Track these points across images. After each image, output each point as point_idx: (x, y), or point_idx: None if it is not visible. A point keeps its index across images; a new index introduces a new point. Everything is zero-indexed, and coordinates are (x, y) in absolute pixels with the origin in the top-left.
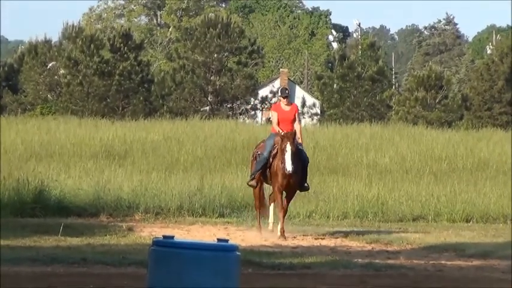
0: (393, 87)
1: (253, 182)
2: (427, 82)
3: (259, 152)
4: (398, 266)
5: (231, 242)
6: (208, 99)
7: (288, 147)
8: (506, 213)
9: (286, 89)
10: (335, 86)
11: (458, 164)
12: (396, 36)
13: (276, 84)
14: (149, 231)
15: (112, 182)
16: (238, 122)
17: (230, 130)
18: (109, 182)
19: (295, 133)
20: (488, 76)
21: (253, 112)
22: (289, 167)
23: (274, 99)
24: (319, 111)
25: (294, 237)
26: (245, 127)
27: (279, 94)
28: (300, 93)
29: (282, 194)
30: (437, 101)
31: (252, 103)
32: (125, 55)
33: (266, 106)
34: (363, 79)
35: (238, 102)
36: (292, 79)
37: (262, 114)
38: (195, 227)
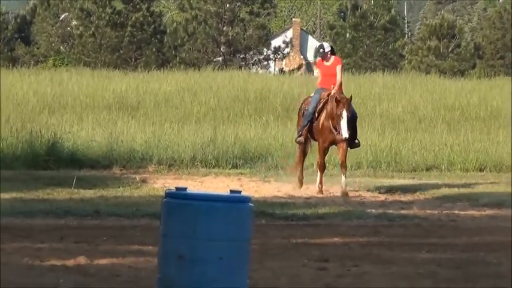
0: (406, 36)
1: (301, 139)
2: (439, 31)
3: (306, 108)
4: (412, 216)
5: (244, 193)
6: (221, 49)
7: (344, 114)
8: None
9: (322, 46)
10: (347, 35)
11: (471, 113)
12: None
13: (289, 34)
14: (162, 183)
15: (125, 134)
16: (251, 73)
17: (243, 80)
18: (122, 133)
19: (351, 98)
20: (501, 24)
21: (265, 62)
22: (345, 133)
23: (287, 50)
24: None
25: (307, 188)
26: (258, 77)
27: (317, 53)
28: (312, 43)
29: (325, 150)
30: (449, 50)
31: (264, 53)
32: (137, 6)
33: (279, 56)
34: (375, 28)
35: (251, 53)
36: (304, 29)
37: (274, 65)
38: (208, 179)
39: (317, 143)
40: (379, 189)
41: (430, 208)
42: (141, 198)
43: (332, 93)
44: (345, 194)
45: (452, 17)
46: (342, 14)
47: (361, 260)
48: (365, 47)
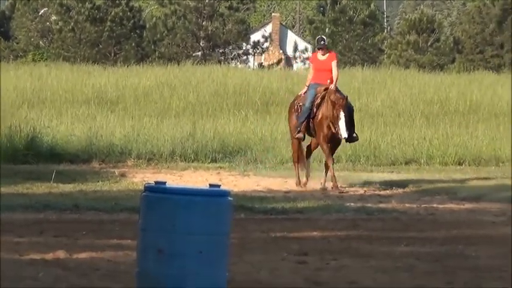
0: (385, 30)
1: (300, 135)
2: (418, 25)
3: (300, 104)
4: (391, 209)
5: (223, 187)
6: (200, 44)
7: (342, 115)
8: (498, 155)
9: (323, 39)
10: (327, 30)
11: (450, 107)
12: None
13: (268, 29)
14: (141, 177)
15: (104, 128)
16: (230, 67)
17: (222, 75)
18: (101, 128)
19: (346, 98)
20: (480, 19)
21: (245, 57)
22: (344, 133)
23: (266, 44)
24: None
25: (286, 182)
26: (237, 72)
27: (316, 45)
28: (291, 37)
29: (328, 144)
30: (429, 44)
31: (243, 48)
32: (117, 1)
33: (258, 51)
34: (354, 23)
35: (230, 47)
36: (284, 24)
37: (254, 59)
38: (187, 173)
39: (317, 139)
40: (358, 183)
41: (408, 202)
42: (120, 193)
43: (331, 88)
44: (324, 190)
45: (431, 12)
46: (321, 8)
47: (340, 254)
48: (344, 41)
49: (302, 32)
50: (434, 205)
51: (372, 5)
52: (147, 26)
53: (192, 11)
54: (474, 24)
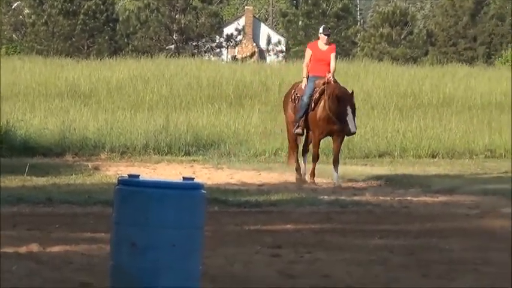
0: (358, 23)
1: (299, 130)
2: (392, 18)
3: (298, 95)
4: (364, 202)
5: (196, 180)
6: (174, 37)
7: (349, 110)
8: (472, 148)
9: (329, 27)
10: (300, 23)
11: (423, 99)
12: None
13: (241, 22)
14: (115, 170)
15: (77, 122)
16: (204, 60)
17: (195, 68)
18: (74, 121)
19: (352, 93)
20: (453, 12)
21: (218, 50)
22: (353, 128)
23: (239, 37)
24: (284, 49)
25: (259, 175)
26: (210, 65)
27: (321, 31)
28: (265, 30)
29: (320, 142)
30: (402, 37)
31: (217, 41)
32: None
33: (231, 44)
34: (328, 16)
35: (204, 40)
36: (257, 16)
37: (227, 52)
38: (161, 166)
39: (313, 134)
40: (331, 175)
41: (382, 194)
42: (94, 186)
43: (330, 79)
44: (339, 187)
45: (404, 5)
46: (295, 1)
47: (314, 247)
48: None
49: (275, 25)
50: (408, 198)
51: None
52: (120, 19)
53: (165, 4)
54: (447, 17)
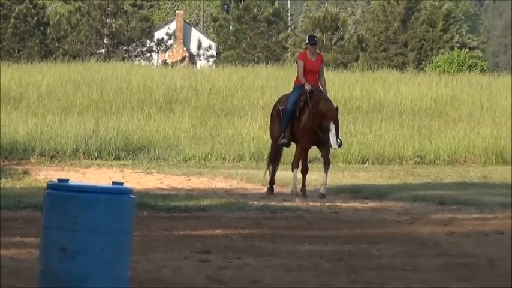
0: (289, 28)
1: (285, 140)
2: (322, 23)
3: (282, 107)
4: (294, 208)
5: (126, 185)
6: (104, 41)
7: (332, 126)
8: (402, 154)
9: (315, 36)
10: (231, 27)
11: (354, 105)
12: None
13: (172, 26)
14: (45, 174)
15: (7, 125)
16: (134, 64)
17: (126, 72)
18: (4, 125)
19: (337, 108)
20: (384, 17)
21: (148, 54)
22: (334, 145)
23: (170, 42)
24: (215, 53)
25: (189, 180)
26: (141, 69)
27: (307, 41)
28: (195, 35)
29: (307, 152)
30: (333, 42)
31: (147, 45)
32: None
33: (162, 48)
34: (258, 21)
35: (134, 45)
36: (188, 21)
37: (158, 57)
38: (90, 170)
39: (298, 143)
40: (261, 181)
41: (312, 200)
42: (24, 190)
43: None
44: (322, 196)
45: (335, 10)
46: (225, 6)
47: (243, 252)
48: (248, 39)
49: (206, 30)
50: (338, 203)
51: (276, 3)
52: (51, 23)
53: (96, 8)
54: (378, 22)
